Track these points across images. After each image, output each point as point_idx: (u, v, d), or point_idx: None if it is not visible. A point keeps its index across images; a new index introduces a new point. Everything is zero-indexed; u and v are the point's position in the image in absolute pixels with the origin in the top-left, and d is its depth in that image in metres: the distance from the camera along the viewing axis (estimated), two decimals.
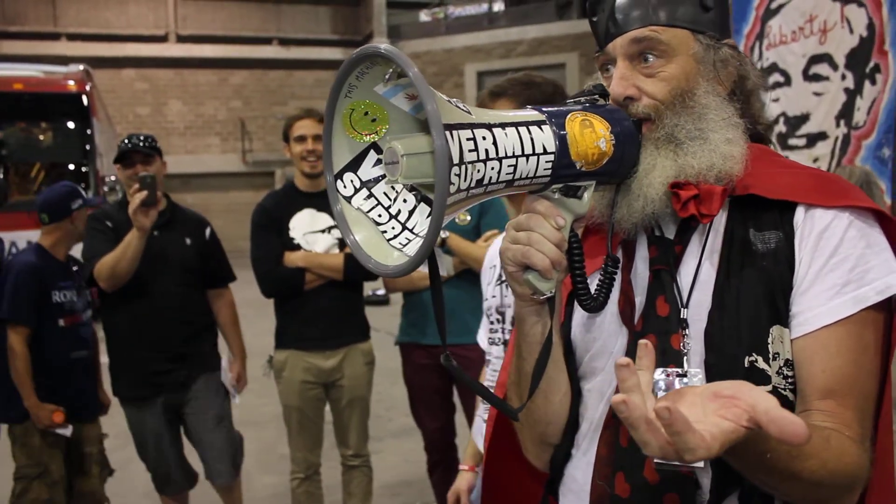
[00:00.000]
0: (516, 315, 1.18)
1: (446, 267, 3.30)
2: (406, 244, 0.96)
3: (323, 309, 3.27)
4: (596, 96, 1.15)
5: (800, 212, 1.10)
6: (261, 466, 4.69)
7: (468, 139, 0.90)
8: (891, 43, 13.68)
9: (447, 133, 0.86)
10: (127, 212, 3.02)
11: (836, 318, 1.05)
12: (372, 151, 0.99)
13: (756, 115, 1.20)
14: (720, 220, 1.14)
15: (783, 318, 1.08)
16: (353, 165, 0.99)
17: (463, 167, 0.88)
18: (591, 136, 1.04)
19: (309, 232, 3.30)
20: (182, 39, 18.68)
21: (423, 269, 3.09)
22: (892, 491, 1.13)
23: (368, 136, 0.98)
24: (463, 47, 19.35)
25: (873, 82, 14.02)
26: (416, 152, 0.91)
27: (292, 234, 3.29)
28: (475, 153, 0.90)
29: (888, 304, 1.08)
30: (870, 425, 1.06)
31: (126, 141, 3.25)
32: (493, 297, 2.39)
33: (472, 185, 0.91)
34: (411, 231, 0.97)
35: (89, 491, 3.37)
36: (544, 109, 1.04)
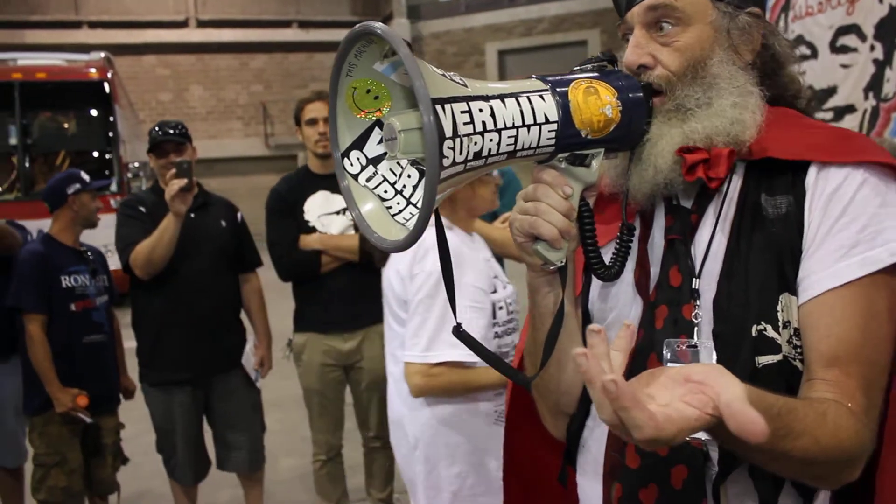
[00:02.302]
0: (529, 285, 1.17)
1: None
2: (410, 219, 0.96)
3: (340, 291, 3.27)
4: (604, 63, 1.12)
5: (812, 171, 1.07)
6: (284, 448, 4.72)
7: (463, 112, 0.89)
8: None
9: (439, 107, 0.85)
10: (160, 196, 3.09)
11: (841, 281, 1.01)
12: (376, 129, 0.99)
13: (791, 86, 1.16)
14: (735, 188, 1.11)
15: (792, 286, 1.05)
16: (359, 143, 1.00)
17: (458, 140, 0.88)
18: (597, 103, 1.02)
19: (324, 214, 3.29)
20: (202, 24, 18.69)
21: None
22: None
23: (372, 114, 0.99)
24: (483, 26, 19.18)
25: None
26: (413, 127, 0.91)
27: (307, 216, 3.29)
28: (471, 125, 0.90)
29: None
30: (877, 396, 1.02)
31: (158, 129, 3.26)
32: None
33: (470, 157, 0.91)
34: (415, 206, 0.97)
35: (101, 479, 3.40)
36: (548, 79, 1.03)
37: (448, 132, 0.87)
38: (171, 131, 3.24)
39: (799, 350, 1.05)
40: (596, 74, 1.07)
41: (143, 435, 4.58)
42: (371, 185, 0.99)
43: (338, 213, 3.29)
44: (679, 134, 1.08)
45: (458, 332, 1.09)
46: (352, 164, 1.00)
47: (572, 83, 1.02)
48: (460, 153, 0.89)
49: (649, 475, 1.11)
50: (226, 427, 3.39)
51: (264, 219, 3.34)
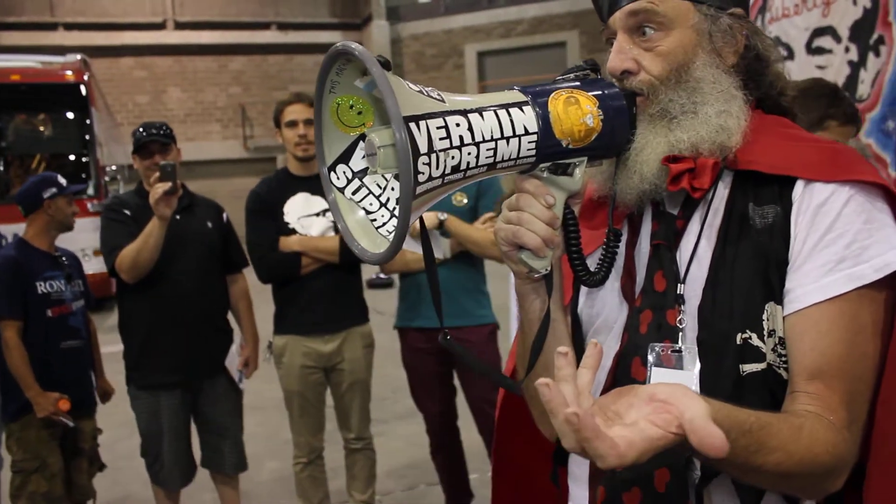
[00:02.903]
0: (517, 292, 1.18)
1: (443, 249, 3.28)
2: (393, 231, 0.98)
3: (320, 293, 3.26)
4: (587, 71, 1.12)
5: (799, 186, 1.07)
6: (265, 451, 4.70)
7: (439, 127, 0.90)
8: (895, 14, 13.53)
9: (413, 124, 0.87)
10: (144, 199, 3.06)
11: (827, 295, 1.02)
12: (361, 143, 1.01)
13: (772, 84, 1.17)
14: (722, 195, 1.11)
15: (777, 295, 1.05)
16: (345, 157, 1.02)
17: (433, 156, 0.89)
18: (577, 112, 1.03)
19: (304, 216, 3.28)
20: (180, 26, 18.58)
21: (418, 251, 3.09)
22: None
23: (356, 129, 1.01)
24: (462, 27, 19.21)
25: (877, 54, 13.91)
26: (387, 144, 0.93)
27: (287, 218, 3.28)
28: (447, 140, 0.91)
29: (891, 284, 1.03)
30: (861, 410, 1.02)
31: (142, 131, 3.23)
32: None
33: (448, 171, 0.92)
34: (398, 218, 0.98)
35: (79, 484, 3.37)
36: (528, 90, 1.03)
37: (423, 148, 0.88)
38: (156, 132, 3.20)
39: (784, 359, 1.05)
40: (577, 84, 1.08)
41: (121, 441, 4.56)
42: (357, 197, 1.01)
43: (318, 214, 3.29)
44: (664, 143, 1.08)
45: (445, 340, 1.09)
46: (338, 178, 1.02)
47: (552, 93, 1.03)
48: (437, 168, 0.90)
49: (632, 479, 1.11)
50: (213, 429, 3.37)
51: (244, 221, 3.33)
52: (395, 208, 0.99)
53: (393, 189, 1.00)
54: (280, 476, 4.40)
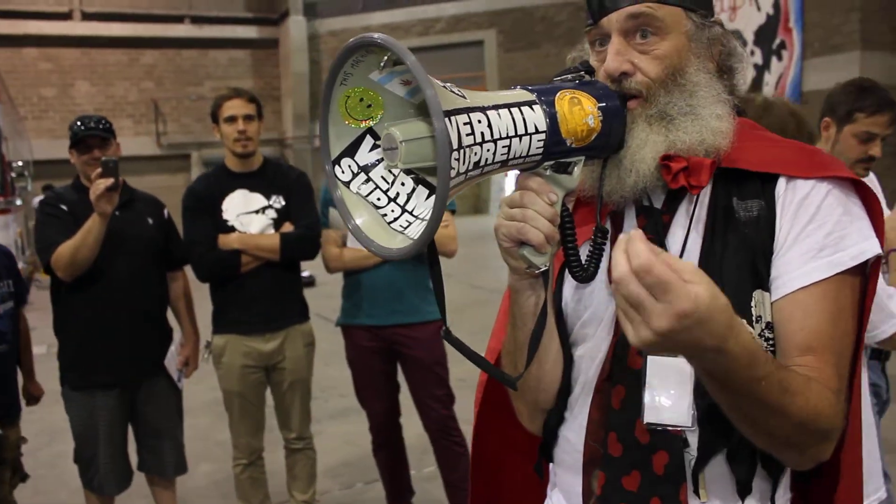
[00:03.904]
0: (511, 288, 1.21)
1: None
2: (407, 226, 0.98)
3: (261, 291, 3.21)
4: (582, 73, 1.16)
5: (781, 182, 1.15)
6: (198, 454, 4.58)
7: (465, 123, 0.92)
8: (795, 21, 14.25)
9: (446, 119, 0.87)
10: (82, 194, 2.95)
11: (811, 280, 1.10)
12: (368, 136, 1.01)
13: (735, 90, 1.23)
14: (706, 191, 1.18)
15: (764, 283, 1.13)
16: (350, 151, 1.01)
17: (461, 151, 0.90)
18: (580, 113, 1.07)
19: (243, 213, 3.22)
20: (88, 17, 17.89)
21: (363, 250, 3.05)
22: (860, 445, 1.21)
23: (364, 122, 1.00)
24: (380, 25, 19.16)
25: (780, 58, 14.61)
26: (414, 137, 0.93)
27: (225, 216, 3.21)
28: (472, 137, 0.93)
29: (864, 270, 1.14)
30: (845, 382, 1.11)
31: (80, 124, 3.09)
32: None
33: (471, 167, 0.94)
34: (411, 213, 0.99)
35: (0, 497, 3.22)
36: (532, 89, 1.06)
37: (455, 144, 0.89)
38: (95, 126, 3.08)
39: (770, 343, 1.13)
40: (577, 84, 1.12)
41: (41, 449, 4.38)
42: (364, 191, 1.01)
43: (257, 212, 3.23)
44: (663, 142, 1.13)
45: (447, 335, 1.11)
46: (343, 172, 1.01)
47: (557, 94, 1.06)
48: (463, 163, 0.91)
49: (632, 462, 1.17)
50: (151, 431, 3.27)
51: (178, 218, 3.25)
52: (405, 203, 1.00)
53: (403, 184, 1.00)
54: (214, 479, 4.31)
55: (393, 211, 1.00)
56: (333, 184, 1.01)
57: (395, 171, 1.00)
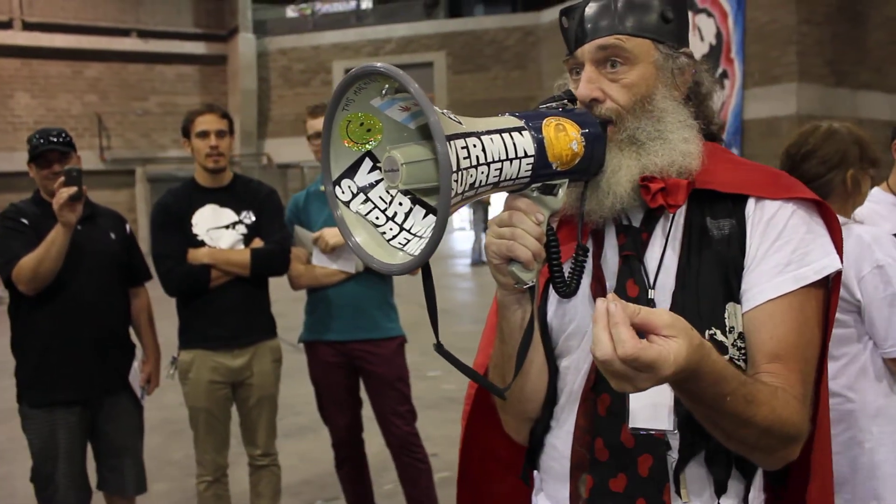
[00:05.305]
0: (499, 303, 1.27)
1: (355, 263, 3.32)
2: (406, 244, 1.04)
3: (229, 307, 3.20)
4: (565, 101, 1.25)
5: (751, 203, 1.25)
6: (152, 474, 4.48)
7: (462, 147, 0.99)
8: (736, 51, 14.77)
9: (447, 143, 0.94)
10: (43, 207, 2.91)
11: (779, 292, 1.20)
12: (367, 159, 1.07)
13: (710, 117, 1.34)
14: (681, 210, 1.27)
15: (736, 296, 1.23)
16: (350, 172, 1.07)
17: (460, 173, 0.97)
18: (565, 138, 1.15)
19: (213, 228, 3.22)
20: (29, 27, 17.47)
21: (328, 267, 3.21)
22: (829, 446, 1.30)
23: (364, 146, 1.06)
24: (331, 44, 19.21)
25: (722, 87, 15.03)
26: (414, 160, 0.99)
27: (195, 230, 3.20)
28: (468, 160, 0.99)
29: (826, 283, 1.24)
30: (810, 389, 1.21)
31: (39, 138, 3.05)
32: None
33: (467, 189, 1.00)
34: (409, 231, 1.05)
35: None
36: (521, 115, 1.14)
37: (454, 166, 0.96)
38: (55, 139, 3.05)
39: (742, 351, 1.22)
40: (561, 111, 1.21)
41: None
42: (363, 210, 1.07)
43: (227, 227, 3.23)
44: (637, 166, 1.23)
45: (439, 348, 1.16)
46: (343, 192, 1.06)
47: (544, 120, 1.15)
48: (461, 185, 0.98)
49: (618, 465, 1.25)
50: (112, 449, 3.21)
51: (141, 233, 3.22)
52: (403, 222, 1.06)
53: (401, 204, 1.06)
54: (170, 500, 4.24)
55: (391, 229, 1.06)
56: (334, 203, 1.06)
57: (393, 192, 1.06)
